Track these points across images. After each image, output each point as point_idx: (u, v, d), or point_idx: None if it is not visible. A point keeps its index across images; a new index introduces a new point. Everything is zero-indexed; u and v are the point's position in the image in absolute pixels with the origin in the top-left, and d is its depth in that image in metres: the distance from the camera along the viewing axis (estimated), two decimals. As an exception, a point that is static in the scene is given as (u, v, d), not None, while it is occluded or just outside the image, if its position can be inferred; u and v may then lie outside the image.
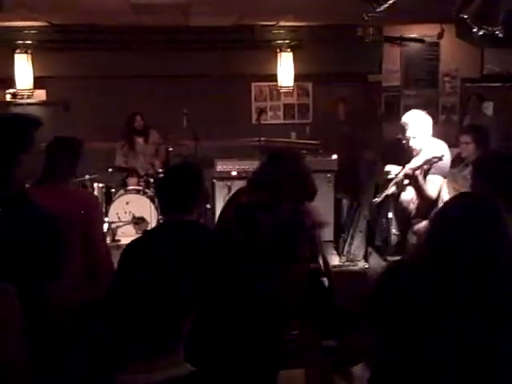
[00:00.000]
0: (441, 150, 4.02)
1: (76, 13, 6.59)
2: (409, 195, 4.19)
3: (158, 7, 6.11)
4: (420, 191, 4.03)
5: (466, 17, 3.75)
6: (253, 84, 8.72)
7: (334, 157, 6.42)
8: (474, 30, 3.70)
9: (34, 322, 2.12)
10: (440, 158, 3.87)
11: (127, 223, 6.35)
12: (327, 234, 5.25)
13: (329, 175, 6.21)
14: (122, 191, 6.60)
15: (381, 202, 4.33)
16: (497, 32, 3.65)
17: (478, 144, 4.55)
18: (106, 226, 6.26)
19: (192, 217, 2.49)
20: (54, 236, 2.32)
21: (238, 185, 6.40)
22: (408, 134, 4.11)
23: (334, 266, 4.84)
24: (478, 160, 3.47)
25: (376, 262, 4.43)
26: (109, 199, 6.59)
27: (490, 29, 3.61)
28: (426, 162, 3.92)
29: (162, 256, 2.21)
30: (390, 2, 3.89)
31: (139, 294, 1.72)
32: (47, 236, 2.29)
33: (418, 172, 3.96)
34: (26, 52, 7.82)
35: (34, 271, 2.22)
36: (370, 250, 4.71)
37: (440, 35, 7.09)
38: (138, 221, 6.39)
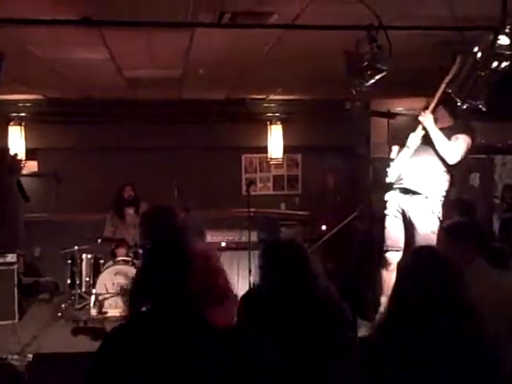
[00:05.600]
0: None
1: (72, 87, 6.72)
2: None
3: (153, 81, 6.26)
4: None
5: (450, 91, 3.88)
6: (243, 156, 8.85)
7: (324, 227, 6.44)
8: (459, 103, 3.81)
9: None
10: None
11: (114, 295, 6.24)
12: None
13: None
14: (110, 262, 6.53)
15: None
16: (480, 105, 3.76)
17: (463, 216, 4.57)
18: (93, 298, 6.17)
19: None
20: None
21: (226, 256, 6.39)
22: None
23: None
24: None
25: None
26: (97, 270, 6.52)
27: (473, 102, 3.72)
28: None
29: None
30: (377, 77, 4.01)
31: None
32: None
33: None
34: (19, 124, 7.94)
35: None
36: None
37: (426, 108, 7.26)
38: (125, 292, 6.25)
